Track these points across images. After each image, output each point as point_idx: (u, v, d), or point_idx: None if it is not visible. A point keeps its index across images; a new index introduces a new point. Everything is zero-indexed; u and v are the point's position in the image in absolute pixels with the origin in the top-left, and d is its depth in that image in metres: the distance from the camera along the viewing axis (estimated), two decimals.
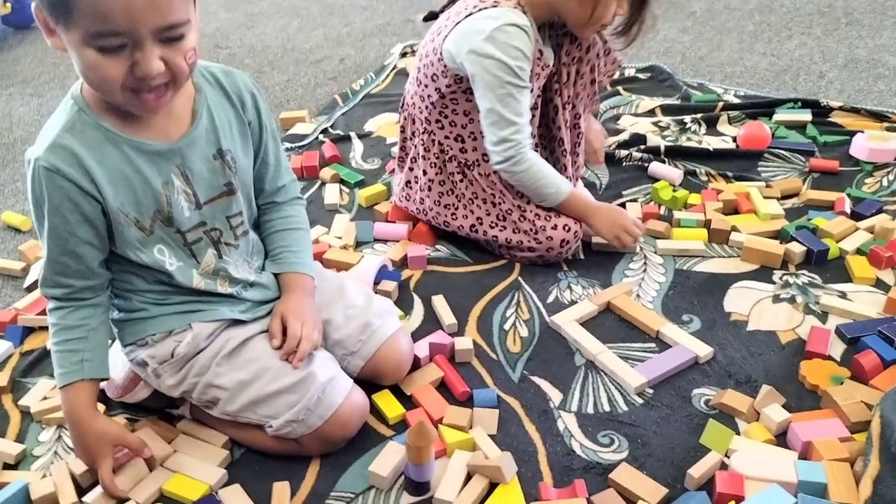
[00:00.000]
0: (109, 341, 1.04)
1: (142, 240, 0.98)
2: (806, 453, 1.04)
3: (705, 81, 2.25)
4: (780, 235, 1.51)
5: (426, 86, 1.40)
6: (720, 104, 2.04)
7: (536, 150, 1.42)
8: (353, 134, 1.99)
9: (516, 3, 1.30)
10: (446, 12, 1.39)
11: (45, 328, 1.29)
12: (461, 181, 1.44)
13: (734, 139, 1.89)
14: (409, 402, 1.15)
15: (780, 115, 1.96)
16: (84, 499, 1.00)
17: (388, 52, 2.57)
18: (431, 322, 1.33)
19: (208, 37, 2.72)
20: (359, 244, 1.54)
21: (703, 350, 1.23)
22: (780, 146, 1.83)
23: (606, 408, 1.15)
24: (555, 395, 1.18)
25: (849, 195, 1.62)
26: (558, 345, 1.28)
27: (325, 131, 2.01)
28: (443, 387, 1.19)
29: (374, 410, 1.13)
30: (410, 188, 1.52)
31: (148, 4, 0.81)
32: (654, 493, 0.99)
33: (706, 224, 1.53)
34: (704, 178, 1.72)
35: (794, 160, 1.79)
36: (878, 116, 1.95)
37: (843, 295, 1.36)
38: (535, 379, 1.21)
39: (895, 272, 1.40)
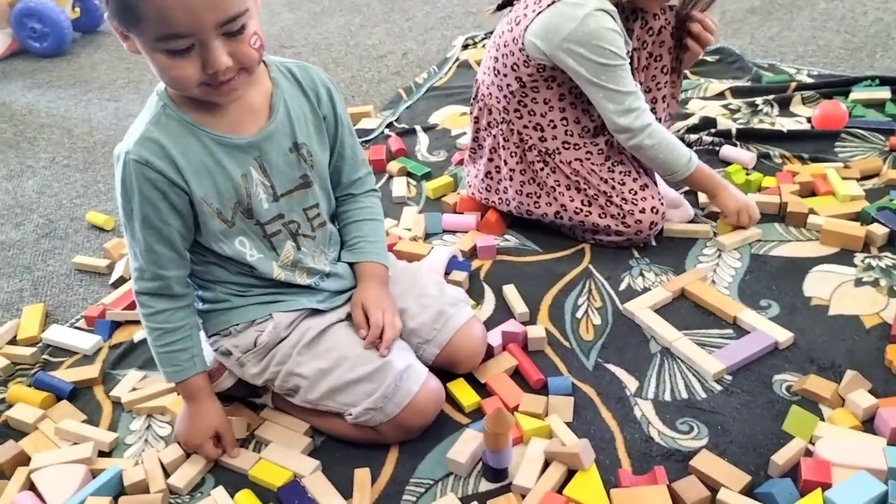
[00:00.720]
0: None
1: (224, 231, 1.01)
2: (895, 440, 1.01)
3: (776, 62, 2.19)
4: (861, 217, 1.46)
5: (505, 75, 1.40)
6: (793, 84, 1.98)
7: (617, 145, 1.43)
8: (418, 127, 2.00)
9: None
10: (522, 0, 1.39)
11: (132, 322, 1.37)
12: (542, 169, 1.44)
13: (808, 120, 1.83)
14: (483, 390, 1.16)
15: (857, 93, 1.90)
16: (169, 481, 1.05)
17: (449, 44, 2.57)
18: (503, 311, 1.33)
19: (273, 37, 2.77)
20: (428, 236, 1.56)
21: (783, 335, 1.20)
22: (858, 125, 1.77)
23: (684, 395, 1.14)
24: (630, 383, 1.17)
25: None
26: (632, 332, 1.27)
27: (390, 125, 2.03)
28: (517, 375, 1.19)
29: (450, 399, 1.14)
30: (491, 179, 1.52)
31: (206, 2, 0.83)
32: (737, 480, 0.98)
33: (781, 207, 1.50)
34: (779, 161, 1.68)
35: (873, 139, 1.72)
36: None
37: None
38: (610, 366, 1.20)
39: None
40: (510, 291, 1.36)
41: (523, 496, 0.99)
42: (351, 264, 1.15)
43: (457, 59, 2.41)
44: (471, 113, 1.54)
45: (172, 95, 0.97)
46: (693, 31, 1.40)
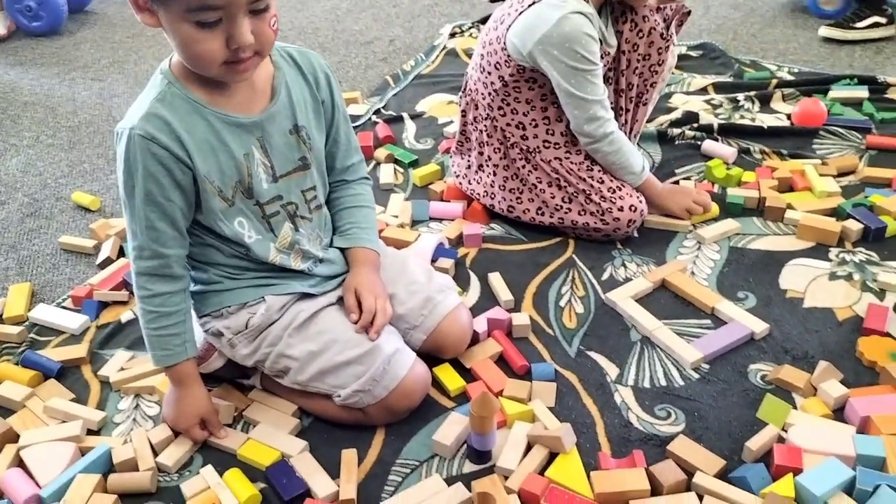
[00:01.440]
0: None
1: (224, 210, 1.03)
2: (864, 428, 1.05)
3: (758, 58, 2.23)
4: (837, 213, 1.50)
5: (489, 73, 1.42)
6: (774, 81, 2.02)
7: None
8: (405, 114, 2.02)
9: None
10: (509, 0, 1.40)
11: (120, 303, 1.37)
12: (524, 167, 1.46)
13: (788, 116, 1.87)
14: (468, 375, 1.19)
15: (836, 91, 1.94)
16: (158, 459, 1.07)
17: (437, 32, 2.58)
18: (488, 298, 1.36)
19: None
20: (415, 223, 1.58)
21: (759, 326, 1.24)
22: (836, 123, 1.81)
23: (663, 382, 1.17)
24: (611, 370, 1.20)
25: None
26: (614, 321, 1.30)
27: (377, 112, 2.04)
28: (501, 361, 1.22)
29: (436, 383, 1.17)
30: (474, 172, 1.54)
31: None
32: (712, 464, 1.01)
33: (760, 201, 1.54)
34: (758, 156, 1.72)
35: (851, 137, 1.77)
36: None
37: None
38: (592, 354, 1.23)
39: None
40: (495, 279, 1.38)
41: (506, 477, 1.01)
42: (343, 250, 1.16)
43: (444, 48, 2.42)
44: (459, 105, 1.56)
45: (178, 73, 0.98)
46: None
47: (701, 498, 0.97)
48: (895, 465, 0.98)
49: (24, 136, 2.06)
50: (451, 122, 1.95)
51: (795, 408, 1.10)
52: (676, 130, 1.80)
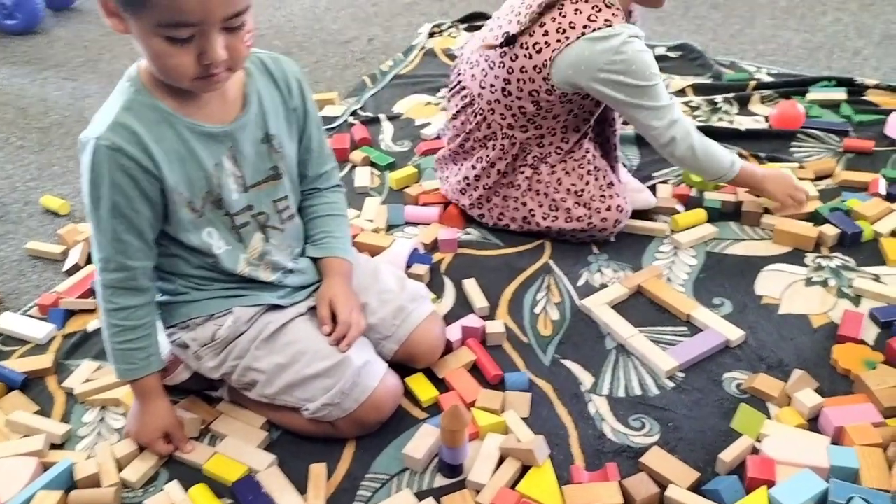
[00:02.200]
0: None
1: (193, 221, 1.00)
2: (838, 438, 1.04)
3: (737, 59, 2.22)
4: (814, 217, 1.49)
5: (519, 98, 1.36)
6: (752, 83, 2.01)
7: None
8: (382, 116, 1.99)
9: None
10: (540, 27, 1.31)
11: (87, 311, 1.35)
12: (522, 173, 1.43)
13: (766, 119, 1.87)
14: (441, 385, 1.17)
15: (814, 93, 1.93)
16: (122, 474, 1.04)
17: (415, 31, 2.56)
18: (463, 305, 1.34)
19: None
20: (390, 227, 1.56)
21: (735, 334, 1.23)
22: (814, 126, 1.81)
23: (637, 392, 1.16)
24: (586, 379, 1.19)
25: (884, 176, 1.60)
26: (589, 328, 1.29)
27: (354, 113, 2.01)
28: (475, 370, 1.20)
29: (408, 393, 1.15)
30: (469, 184, 1.49)
31: None
32: (686, 476, 1.00)
33: (737, 206, 1.53)
34: None
35: (828, 140, 1.76)
36: None
37: (876, 278, 1.35)
38: (567, 362, 1.22)
39: None
40: (470, 285, 1.36)
41: (477, 492, 1.00)
42: (315, 259, 1.14)
43: (423, 48, 2.40)
44: (455, 117, 1.51)
45: (146, 81, 0.95)
46: None
47: None
48: (868, 477, 0.97)
49: None
50: (429, 123, 1.93)
51: (770, 417, 1.10)
52: None
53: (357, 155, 1.79)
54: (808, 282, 1.35)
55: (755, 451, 1.04)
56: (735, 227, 1.50)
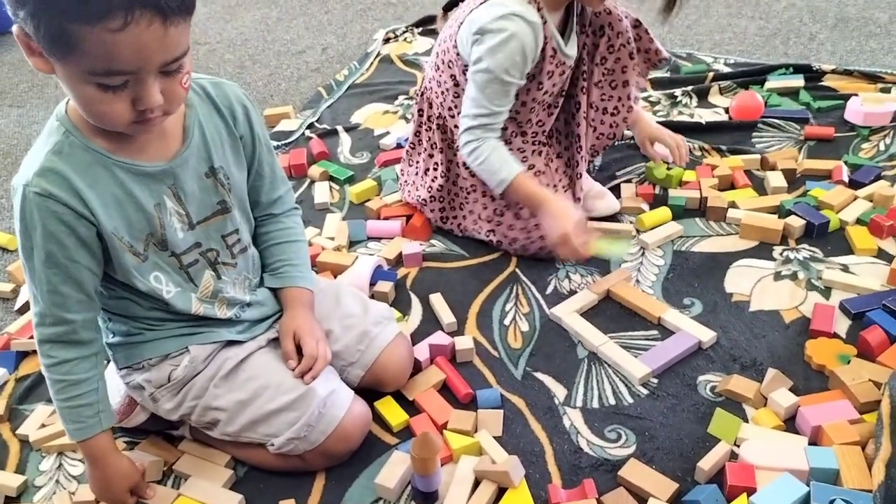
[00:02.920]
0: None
1: (137, 266, 0.95)
2: (816, 438, 1.03)
3: (694, 51, 2.21)
4: (779, 210, 1.48)
5: (443, 72, 1.39)
6: (710, 74, 2.01)
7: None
8: (339, 127, 1.95)
9: None
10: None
11: None
12: (465, 171, 1.42)
13: (727, 110, 1.86)
14: (412, 407, 1.14)
15: (772, 82, 1.93)
16: None
17: (370, 38, 2.52)
18: (430, 321, 1.31)
19: None
20: (352, 244, 1.52)
21: (706, 335, 1.21)
22: (774, 115, 1.80)
23: (612, 401, 1.14)
24: (559, 391, 1.16)
25: (846, 163, 1.60)
26: (560, 338, 1.26)
27: (311, 126, 1.97)
28: (445, 389, 1.17)
29: (377, 418, 1.11)
30: (420, 177, 1.49)
31: (159, 45, 0.78)
32: (665, 488, 0.98)
33: (702, 202, 1.51)
34: (698, 153, 1.70)
35: (789, 129, 1.76)
36: (872, 77, 1.92)
37: (845, 268, 1.34)
38: (539, 375, 1.19)
39: None
40: (437, 301, 1.33)
41: None
42: (275, 289, 1.10)
43: (378, 54, 2.36)
44: (415, 104, 1.50)
45: (77, 121, 0.89)
46: None
47: None
48: (849, 478, 0.95)
49: None
50: (388, 133, 1.89)
51: (747, 420, 1.08)
52: None
53: (315, 170, 1.75)
54: (777, 276, 1.34)
55: (734, 456, 1.02)
56: (701, 223, 1.49)
